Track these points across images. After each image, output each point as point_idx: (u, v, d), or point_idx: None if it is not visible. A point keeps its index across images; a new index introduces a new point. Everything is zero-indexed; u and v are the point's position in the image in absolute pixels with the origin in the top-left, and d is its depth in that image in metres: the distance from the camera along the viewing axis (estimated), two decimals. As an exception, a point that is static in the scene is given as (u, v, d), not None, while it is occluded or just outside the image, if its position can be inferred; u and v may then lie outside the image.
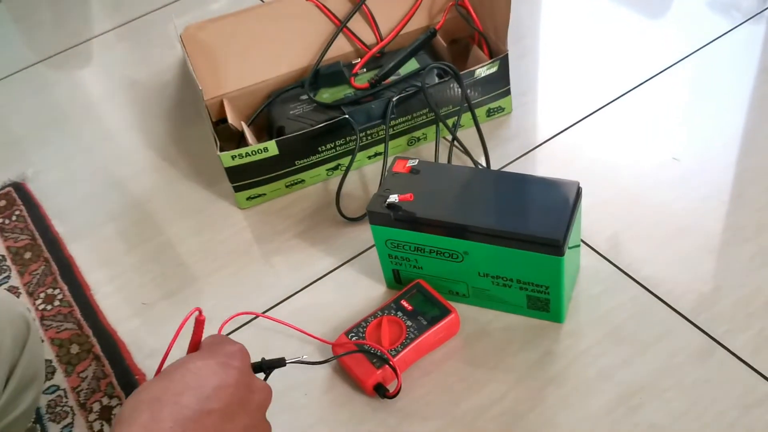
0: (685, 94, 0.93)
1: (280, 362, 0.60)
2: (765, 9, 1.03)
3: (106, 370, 0.75)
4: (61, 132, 1.07)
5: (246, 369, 0.53)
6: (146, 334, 0.78)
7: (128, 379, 0.73)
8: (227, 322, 0.71)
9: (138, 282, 0.84)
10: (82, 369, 0.75)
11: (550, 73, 1.01)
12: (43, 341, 0.78)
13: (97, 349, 0.77)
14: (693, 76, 0.96)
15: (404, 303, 0.72)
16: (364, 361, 0.68)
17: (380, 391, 0.68)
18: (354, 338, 0.70)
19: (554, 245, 0.64)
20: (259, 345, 0.69)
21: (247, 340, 0.57)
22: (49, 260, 0.87)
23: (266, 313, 0.77)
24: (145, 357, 0.76)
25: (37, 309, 0.82)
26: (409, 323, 0.70)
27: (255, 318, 0.77)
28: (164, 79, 1.12)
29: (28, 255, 0.88)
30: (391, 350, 0.68)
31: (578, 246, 0.73)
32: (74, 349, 0.77)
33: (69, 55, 1.22)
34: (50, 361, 0.76)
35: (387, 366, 0.67)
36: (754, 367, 0.65)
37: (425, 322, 0.70)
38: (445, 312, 0.71)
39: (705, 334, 0.68)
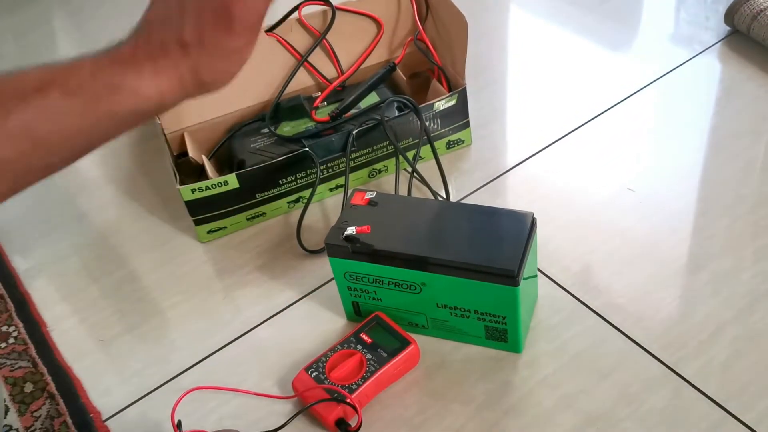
0: (640, 125, 0.96)
1: None
2: (718, 42, 1.06)
3: (60, 409, 0.73)
4: (20, 166, 1.06)
5: None
6: (103, 372, 0.77)
7: (83, 417, 0.72)
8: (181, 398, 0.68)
9: (97, 318, 0.82)
10: (36, 408, 0.74)
11: (510, 105, 1.03)
12: (-3, 380, 0.76)
13: (52, 387, 0.75)
14: (649, 106, 0.98)
15: (363, 336, 0.72)
16: (325, 396, 0.68)
17: (342, 427, 0.67)
18: (314, 374, 0.69)
19: (509, 275, 0.65)
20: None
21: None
22: (4, 297, 0.85)
23: (228, 346, 0.77)
24: (100, 395, 0.74)
25: (-9, 347, 0.80)
26: (369, 356, 0.70)
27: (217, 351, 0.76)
28: (127, 112, 1.11)
29: (-17, 292, 0.87)
30: (352, 384, 0.68)
31: (535, 276, 0.74)
32: (28, 387, 0.76)
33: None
34: (3, 400, 0.75)
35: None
36: (708, 394, 0.66)
37: (385, 355, 0.70)
38: (405, 344, 0.71)
39: (660, 362, 0.69)
